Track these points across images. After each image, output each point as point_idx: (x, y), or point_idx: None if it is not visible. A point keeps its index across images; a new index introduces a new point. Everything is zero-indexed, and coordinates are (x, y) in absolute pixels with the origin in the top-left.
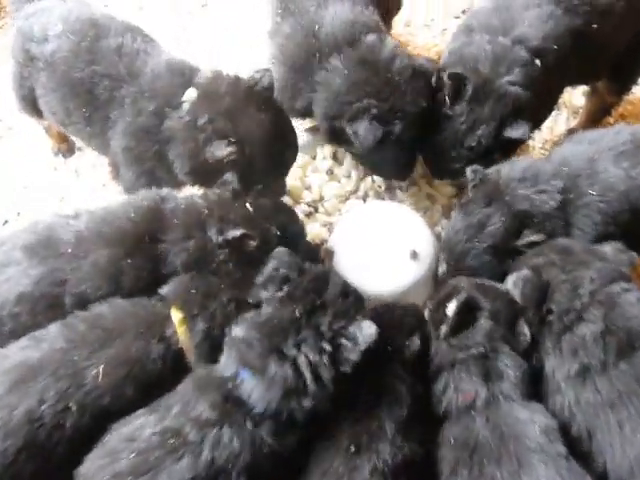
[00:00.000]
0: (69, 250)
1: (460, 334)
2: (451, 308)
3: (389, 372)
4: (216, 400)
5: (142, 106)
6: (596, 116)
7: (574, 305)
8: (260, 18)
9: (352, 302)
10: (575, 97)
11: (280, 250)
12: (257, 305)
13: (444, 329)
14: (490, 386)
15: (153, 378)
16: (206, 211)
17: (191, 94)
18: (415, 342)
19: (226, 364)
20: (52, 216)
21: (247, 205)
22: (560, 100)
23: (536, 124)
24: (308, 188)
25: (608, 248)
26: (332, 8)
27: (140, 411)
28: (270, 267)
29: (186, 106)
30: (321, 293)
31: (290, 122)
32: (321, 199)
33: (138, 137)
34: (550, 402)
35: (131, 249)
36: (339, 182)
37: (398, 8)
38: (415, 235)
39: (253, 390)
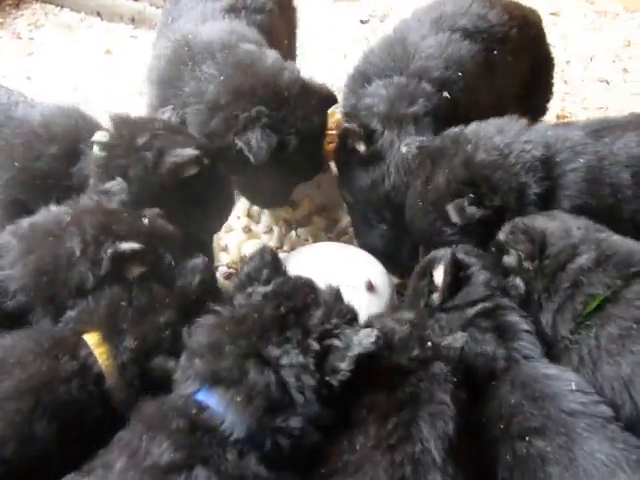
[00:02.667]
0: None
1: (456, 296)
2: (439, 273)
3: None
4: (179, 435)
5: (40, 150)
6: None
7: (568, 243)
8: None
9: (348, 306)
10: None
11: (263, 248)
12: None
13: (437, 295)
14: (507, 344)
15: (72, 410)
16: (68, 218)
17: (102, 135)
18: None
19: (184, 381)
20: None
21: (144, 220)
22: None
23: None
24: (225, 249)
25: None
26: (210, 23)
27: (68, 477)
28: (252, 265)
29: (97, 147)
30: (313, 293)
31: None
32: (242, 260)
33: (33, 186)
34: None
35: None
36: (259, 239)
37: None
38: (367, 267)
39: (227, 410)
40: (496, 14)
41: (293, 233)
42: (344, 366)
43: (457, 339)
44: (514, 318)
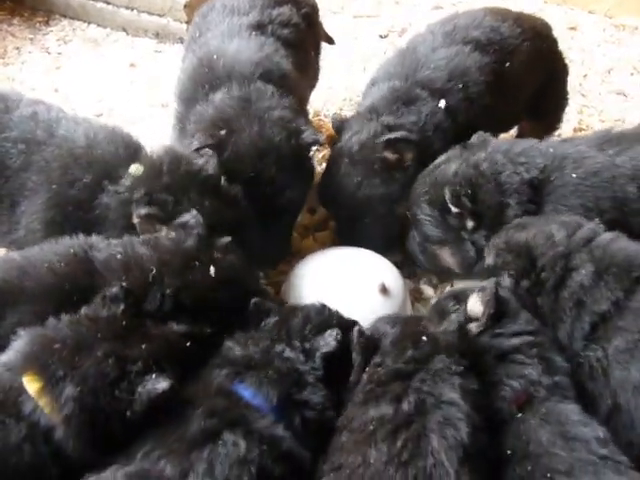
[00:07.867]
0: None
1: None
2: (475, 302)
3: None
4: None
5: (75, 176)
6: None
7: (557, 252)
8: None
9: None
10: None
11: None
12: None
13: (477, 324)
14: (550, 378)
15: (28, 474)
16: (154, 270)
17: (137, 169)
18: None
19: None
20: None
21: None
22: None
23: None
24: None
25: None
26: (236, 40)
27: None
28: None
29: (126, 181)
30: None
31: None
32: None
33: (67, 211)
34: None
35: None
36: None
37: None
38: (381, 271)
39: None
40: (508, 27)
41: (310, 238)
42: (316, 366)
43: (452, 321)
44: (556, 356)
